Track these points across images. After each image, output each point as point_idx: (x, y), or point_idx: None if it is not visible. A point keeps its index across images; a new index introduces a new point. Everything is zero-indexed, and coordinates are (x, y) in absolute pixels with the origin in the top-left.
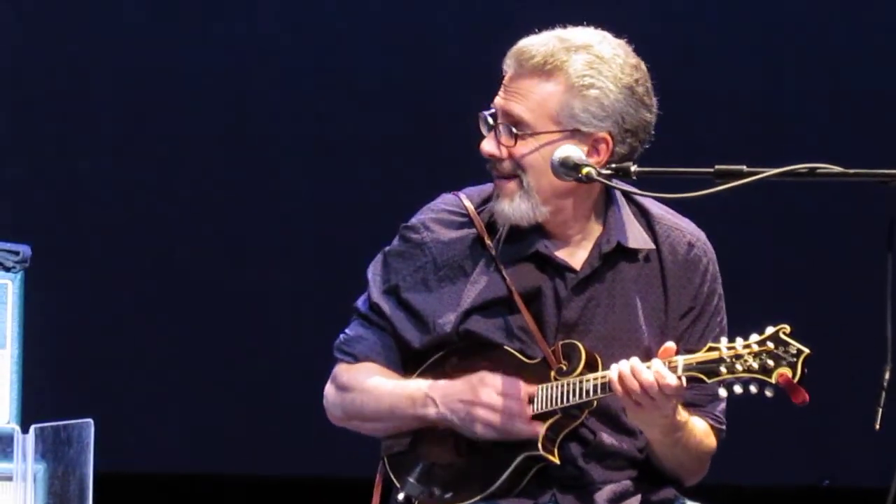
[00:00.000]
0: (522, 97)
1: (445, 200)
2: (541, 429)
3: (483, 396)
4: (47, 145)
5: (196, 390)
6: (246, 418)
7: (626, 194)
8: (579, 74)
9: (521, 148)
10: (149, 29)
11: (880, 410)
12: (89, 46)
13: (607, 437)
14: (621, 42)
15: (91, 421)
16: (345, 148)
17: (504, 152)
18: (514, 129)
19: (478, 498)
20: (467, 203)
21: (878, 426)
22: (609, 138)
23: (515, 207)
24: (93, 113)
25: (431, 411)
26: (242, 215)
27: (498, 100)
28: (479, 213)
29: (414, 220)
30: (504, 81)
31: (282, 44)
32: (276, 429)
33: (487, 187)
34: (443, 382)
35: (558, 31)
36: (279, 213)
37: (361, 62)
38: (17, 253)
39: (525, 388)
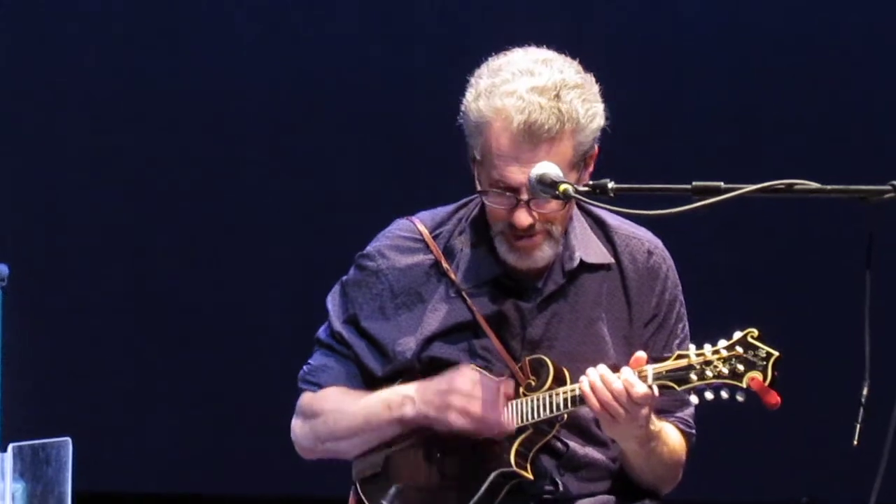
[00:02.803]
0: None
1: (400, 226)
2: (514, 423)
3: (458, 384)
4: (26, 164)
5: (174, 409)
6: (223, 438)
7: (580, 206)
8: (581, 114)
9: (555, 206)
10: (122, 48)
11: (858, 427)
12: (68, 66)
13: (579, 449)
14: (560, 55)
15: (69, 440)
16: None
17: (537, 217)
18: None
19: None
20: (422, 228)
21: (856, 442)
22: (597, 149)
23: (544, 256)
24: (71, 132)
25: (409, 410)
26: (220, 237)
27: (517, 175)
28: (434, 238)
29: (369, 248)
30: (511, 154)
31: (258, 63)
32: (254, 448)
33: (440, 211)
34: (419, 381)
35: (526, 82)
36: (258, 236)
37: (334, 82)
38: None
39: (502, 380)
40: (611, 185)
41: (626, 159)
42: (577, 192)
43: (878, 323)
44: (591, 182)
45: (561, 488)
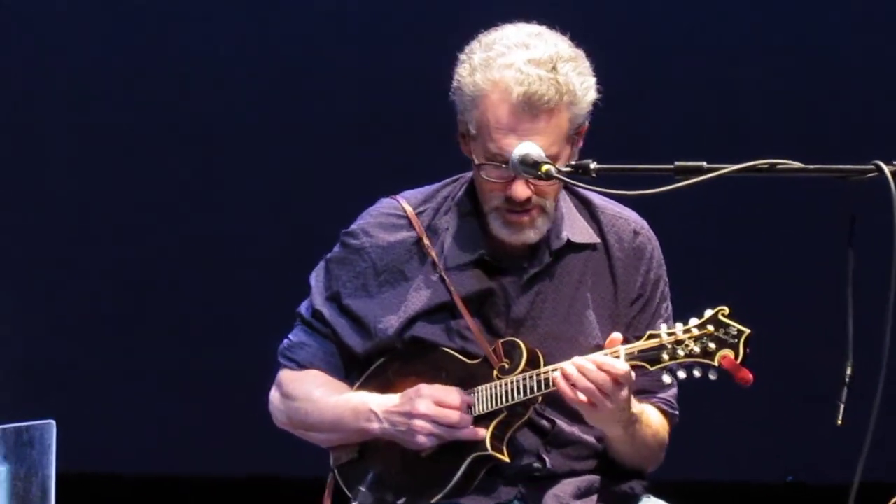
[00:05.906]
0: (541, 135)
1: (384, 204)
2: (483, 432)
3: (421, 408)
4: (5, 141)
5: (157, 391)
6: (205, 419)
7: (566, 186)
8: (577, 86)
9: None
10: (102, 31)
11: (842, 406)
12: (52, 47)
13: (566, 426)
14: (549, 29)
15: (53, 422)
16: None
17: (533, 189)
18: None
19: (431, 502)
20: (406, 206)
21: (839, 422)
22: (587, 124)
23: (539, 230)
24: (54, 107)
25: (375, 426)
26: (203, 214)
27: (514, 145)
28: (418, 216)
29: (353, 226)
30: (509, 126)
31: (237, 44)
32: (236, 429)
33: (426, 189)
34: (383, 397)
35: (522, 55)
36: (240, 213)
37: (320, 57)
38: None
39: (463, 397)
40: (593, 165)
41: (607, 139)
42: (559, 172)
43: (861, 302)
44: (573, 162)
45: (549, 465)
